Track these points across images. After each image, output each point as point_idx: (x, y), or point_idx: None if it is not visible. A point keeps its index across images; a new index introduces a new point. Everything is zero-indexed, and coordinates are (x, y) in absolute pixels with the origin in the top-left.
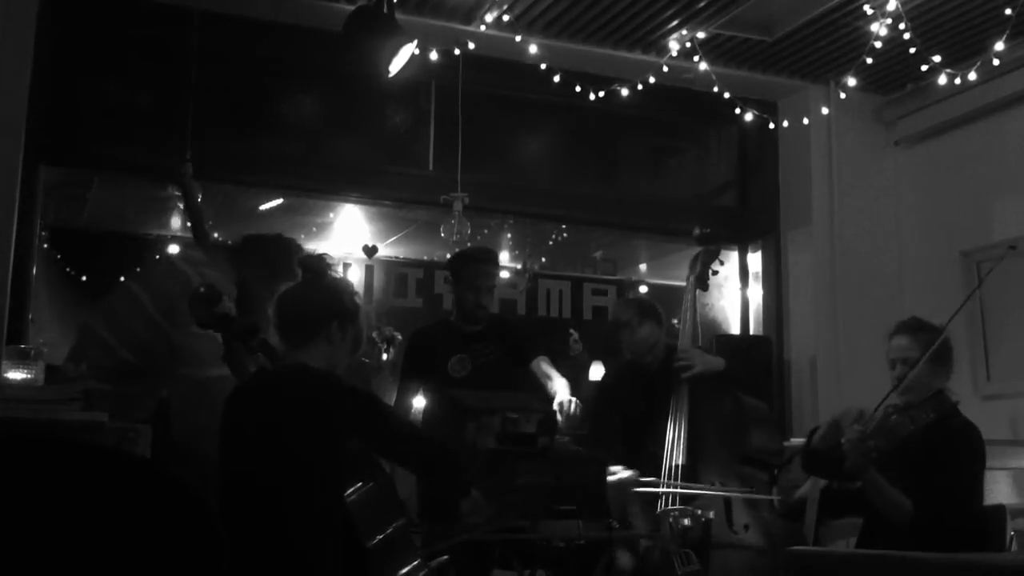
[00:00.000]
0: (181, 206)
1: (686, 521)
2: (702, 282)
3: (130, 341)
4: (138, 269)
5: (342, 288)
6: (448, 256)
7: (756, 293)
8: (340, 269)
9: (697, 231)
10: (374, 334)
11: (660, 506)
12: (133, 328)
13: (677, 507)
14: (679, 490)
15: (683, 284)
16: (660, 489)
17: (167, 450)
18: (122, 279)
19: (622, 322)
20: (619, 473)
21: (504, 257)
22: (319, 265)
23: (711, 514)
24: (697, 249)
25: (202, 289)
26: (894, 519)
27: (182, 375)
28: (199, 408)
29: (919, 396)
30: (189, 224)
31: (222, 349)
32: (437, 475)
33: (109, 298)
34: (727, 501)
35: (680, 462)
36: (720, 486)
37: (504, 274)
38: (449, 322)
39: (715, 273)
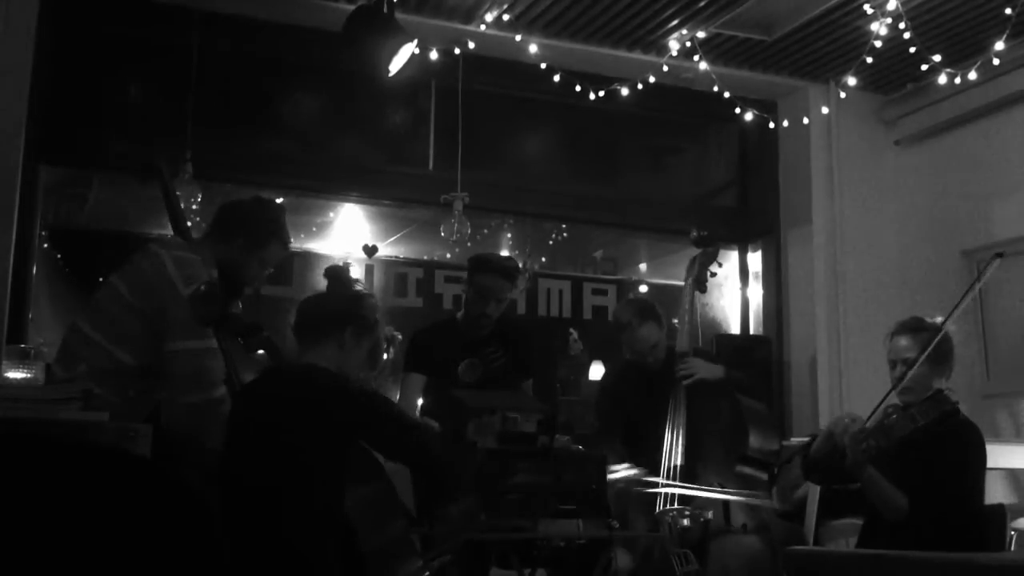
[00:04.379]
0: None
1: (685, 521)
2: (700, 284)
3: (122, 339)
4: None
5: (364, 299)
6: (469, 258)
7: (756, 293)
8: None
9: (695, 233)
10: None
11: (659, 507)
12: (117, 322)
13: (675, 507)
14: (678, 490)
15: (683, 284)
16: (660, 488)
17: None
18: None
19: (622, 323)
20: (620, 471)
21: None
22: (344, 274)
23: (709, 514)
24: (695, 251)
25: (202, 287)
26: (890, 516)
27: (173, 397)
28: (191, 426)
29: (918, 396)
30: (168, 218)
31: (217, 368)
32: (432, 480)
33: (94, 297)
34: (725, 501)
35: (679, 463)
36: (719, 487)
37: None
38: (455, 322)
39: (713, 275)
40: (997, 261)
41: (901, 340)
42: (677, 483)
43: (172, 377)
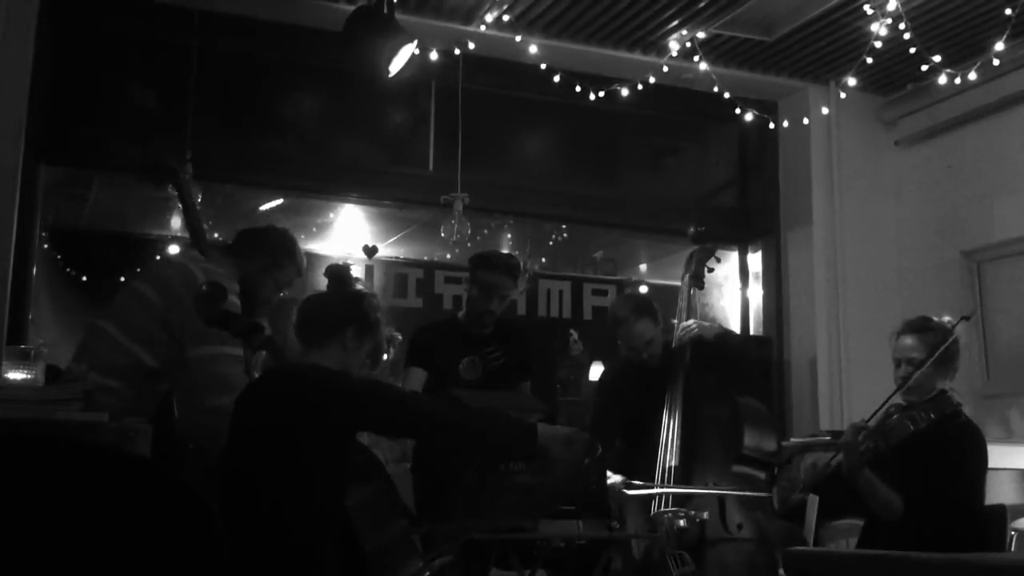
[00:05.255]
0: (180, 207)
1: (681, 522)
2: (698, 280)
3: (143, 339)
4: (138, 270)
5: (366, 299)
6: (472, 256)
7: (756, 293)
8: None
9: (692, 230)
10: None
11: (654, 508)
12: (144, 326)
13: (671, 508)
14: (674, 490)
15: (680, 281)
16: (656, 490)
17: (166, 448)
18: (123, 280)
19: (619, 318)
20: (609, 478)
21: None
22: (345, 274)
23: (705, 515)
24: (692, 247)
25: (204, 287)
26: (885, 517)
27: (196, 400)
28: (204, 433)
29: (921, 396)
30: (186, 226)
31: (238, 373)
32: (483, 440)
33: (115, 299)
34: (721, 501)
35: (674, 464)
36: (715, 487)
37: None
38: (456, 321)
39: (711, 271)
40: (964, 323)
41: (907, 339)
42: (672, 484)
43: (194, 381)
